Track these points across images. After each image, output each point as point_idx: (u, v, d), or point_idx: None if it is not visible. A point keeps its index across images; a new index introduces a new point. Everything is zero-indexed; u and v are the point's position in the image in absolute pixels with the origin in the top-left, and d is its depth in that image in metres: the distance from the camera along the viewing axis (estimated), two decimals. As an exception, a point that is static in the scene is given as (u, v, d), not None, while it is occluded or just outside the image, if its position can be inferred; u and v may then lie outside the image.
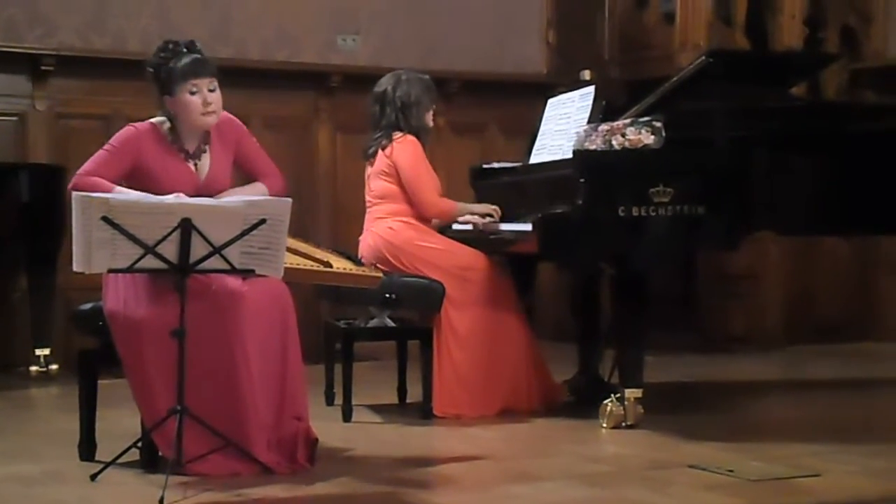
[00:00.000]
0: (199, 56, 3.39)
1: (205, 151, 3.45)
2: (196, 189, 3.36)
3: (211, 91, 3.37)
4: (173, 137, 3.41)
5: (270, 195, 3.39)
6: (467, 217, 4.34)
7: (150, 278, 3.20)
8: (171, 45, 3.40)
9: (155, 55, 3.41)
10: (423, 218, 4.31)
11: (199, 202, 3.10)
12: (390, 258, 4.20)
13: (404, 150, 4.26)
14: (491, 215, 4.28)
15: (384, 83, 4.35)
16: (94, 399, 3.43)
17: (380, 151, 4.32)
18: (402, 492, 3.04)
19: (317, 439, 3.31)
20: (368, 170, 4.40)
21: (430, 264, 4.17)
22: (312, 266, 3.47)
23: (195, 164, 3.43)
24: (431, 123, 4.42)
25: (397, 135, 4.28)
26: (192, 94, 3.34)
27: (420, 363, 4.12)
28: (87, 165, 3.32)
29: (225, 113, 3.48)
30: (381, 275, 3.71)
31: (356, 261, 3.74)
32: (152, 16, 5.76)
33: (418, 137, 4.31)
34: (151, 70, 3.40)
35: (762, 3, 6.30)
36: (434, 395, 4.08)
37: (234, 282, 3.20)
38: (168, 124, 3.42)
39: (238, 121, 3.56)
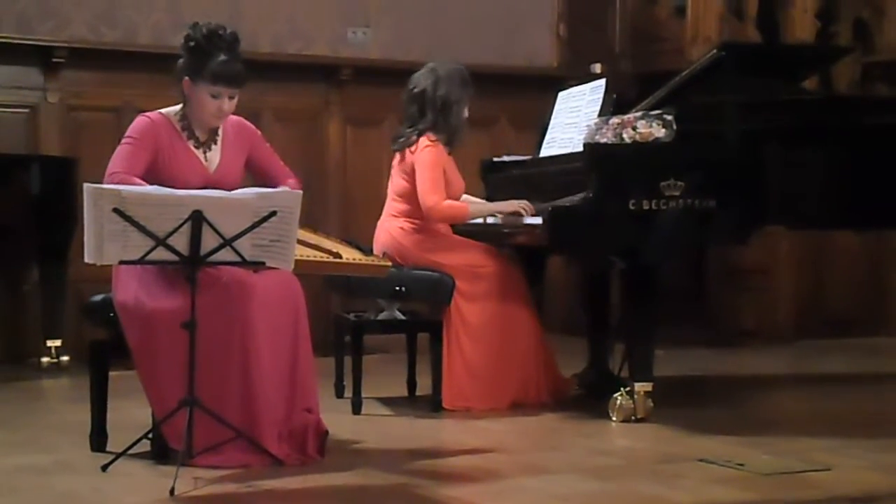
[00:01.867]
0: (237, 64, 3.33)
1: (215, 143, 3.45)
2: (206, 181, 3.37)
3: (230, 98, 3.37)
4: (184, 125, 3.41)
5: None
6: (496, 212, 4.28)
7: (161, 270, 3.21)
8: (215, 38, 3.32)
9: (196, 35, 3.34)
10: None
11: (210, 194, 3.10)
12: (398, 258, 4.20)
13: (425, 155, 4.20)
14: (520, 213, 4.15)
15: (422, 83, 4.27)
16: (104, 390, 3.44)
17: (407, 150, 4.28)
18: (411, 484, 3.04)
19: (327, 431, 3.31)
20: (396, 158, 4.38)
21: (438, 265, 4.16)
22: (321, 257, 3.48)
23: (205, 155, 3.43)
24: (467, 114, 4.37)
25: (429, 137, 4.23)
26: (213, 97, 3.34)
27: (430, 356, 4.12)
28: (115, 164, 3.30)
29: (240, 118, 3.51)
30: (389, 264, 3.72)
31: (365, 250, 3.74)
32: (163, 9, 5.77)
33: (454, 137, 4.27)
34: (190, 45, 3.34)
35: (774, -4, 6.29)
36: (444, 388, 4.08)
37: (244, 274, 3.21)
38: (178, 113, 3.42)
39: (252, 126, 3.57)
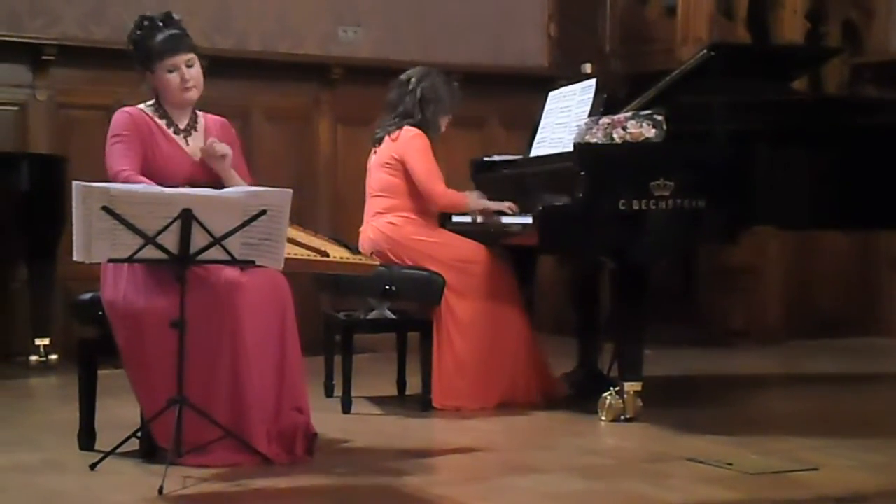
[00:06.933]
0: (174, 32, 3.39)
1: (195, 129, 3.45)
2: (191, 168, 3.38)
3: (189, 67, 3.38)
4: (161, 113, 3.42)
5: None
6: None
7: (150, 268, 3.21)
8: (146, 22, 3.40)
9: (132, 32, 3.42)
10: (425, 212, 4.30)
11: (200, 192, 3.09)
12: (389, 254, 4.20)
13: (413, 142, 4.24)
14: (505, 213, 4.22)
15: (412, 73, 4.36)
16: (93, 389, 3.43)
17: (387, 138, 4.31)
18: (401, 483, 3.04)
19: (316, 434, 3.30)
20: (372, 158, 4.39)
21: (430, 258, 4.17)
22: (309, 255, 3.47)
23: (186, 141, 3.43)
24: (443, 129, 4.39)
25: (408, 126, 4.27)
26: (171, 72, 3.36)
27: (419, 355, 4.12)
28: (117, 163, 3.30)
29: (223, 120, 3.53)
30: (377, 263, 3.71)
31: (353, 249, 3.74)
32: (152, 6, 5.70)
33: (428, 134, 4.29)
34: (131, 47, 3.42)
35: (764, -3, 6.31)
36: (433, 387, 4.08)
37: (233, 273, 3.20)
38: (154, 104, 3.42)
39: (234, 131, 3.58)
